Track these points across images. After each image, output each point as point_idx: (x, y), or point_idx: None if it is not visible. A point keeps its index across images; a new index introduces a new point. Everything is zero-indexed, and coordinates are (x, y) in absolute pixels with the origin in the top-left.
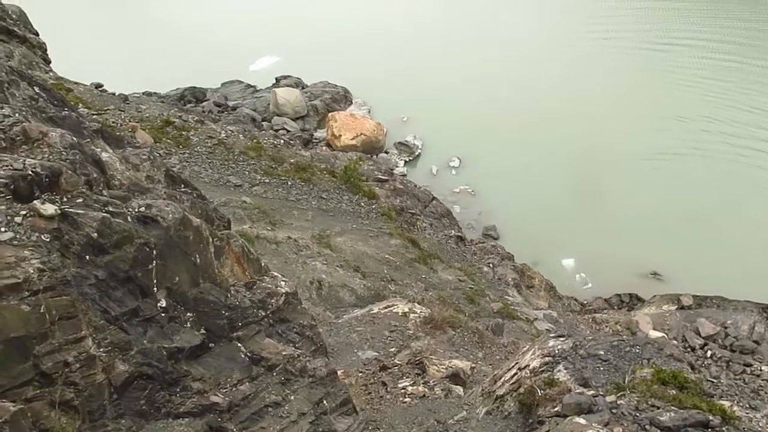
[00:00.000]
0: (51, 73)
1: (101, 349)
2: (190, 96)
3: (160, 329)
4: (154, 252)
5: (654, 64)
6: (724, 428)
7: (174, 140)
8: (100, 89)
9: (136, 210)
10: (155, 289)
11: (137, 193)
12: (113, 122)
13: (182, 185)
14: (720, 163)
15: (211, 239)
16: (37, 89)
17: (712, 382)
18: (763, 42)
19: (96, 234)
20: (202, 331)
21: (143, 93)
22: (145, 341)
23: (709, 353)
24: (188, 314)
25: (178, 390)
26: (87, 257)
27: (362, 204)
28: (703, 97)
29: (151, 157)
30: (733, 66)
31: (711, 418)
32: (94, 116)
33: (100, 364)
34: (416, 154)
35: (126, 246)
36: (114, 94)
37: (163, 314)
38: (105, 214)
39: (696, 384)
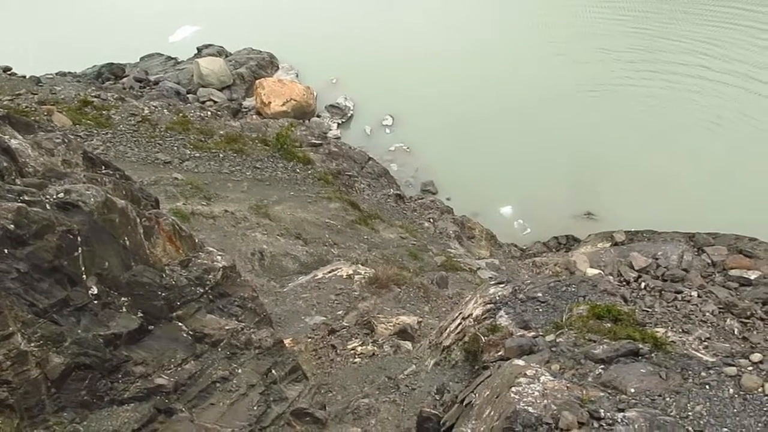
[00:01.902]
0: None
1: (32, 344)
2: (108, 73)
3: (94, 317)
4: (79, 238)
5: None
6: (653, 354)
7: (94, 120)
8: (8, 73)
9: (55, 197)
10: (84, 276)
11: (54, 179)
12: (26, 107)
13: (103, 167)
14: (650, 92)
15: (139, 220)
16: None
17: (647, 311)
18: None
19: (12, 225)
20: (140, 314)
21: (57, 73)
22: (79, 331)
23: (643, 285)
24: (123, 299)
25: (120, 376)
26: (5, 251)
27: (298, 170)
28: (631, 30)
29: (66, 140)
30: None
31: (641, 346)
32: (6, 102)
33: (33, 359)
34: (348, 115)
35: (47, 235)
36: (25, 77)
37: (95, 301)
38: (20, 204)
39: (629, 315)
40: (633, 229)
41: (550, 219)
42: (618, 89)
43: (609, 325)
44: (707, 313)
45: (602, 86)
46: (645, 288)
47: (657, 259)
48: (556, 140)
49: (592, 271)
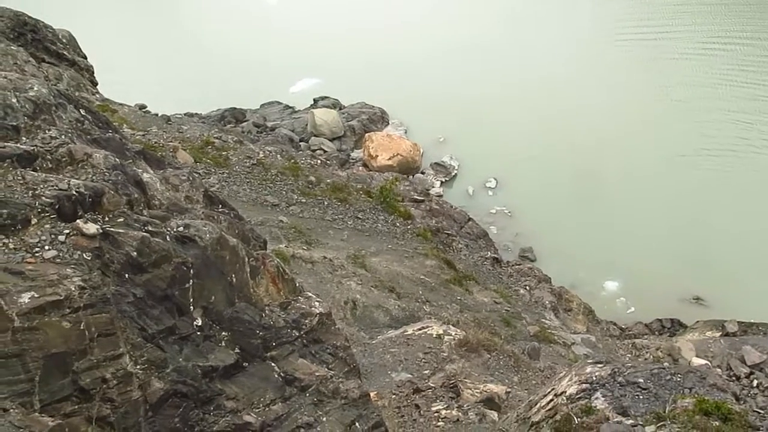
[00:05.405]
0: (97, 95)
1: (138, 367)
2: (230, 117)
3: (195, 347)
4: (191, 271)
5: (702, 66)
6: None
7: (213, 160)
8: (143, 110)
9: (175, 230)
10: (191, 307)
11: (176, 213)
12: (156, 142)
13: (220, 205)
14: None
15: (247, 259)
16: (82, 111)
17: (759, 413)
18: None
19: (135, 253)
20: (237, 350)
21: (185, 114)
22: (180, 359)
23: (755, 383)
24: (223, 333)
25: (211, 409)
26: (126, 276)
27: (398, 224)
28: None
29: (191, 178)
30: None
31: None
32: (138, 137)
33: (137, 381)
34: (452, 174)
35: (164, 265)
36: (157, 115)
37: (198, 333)
38: (144, 234)
39: (741, 416)
40: (747, 320)
41: (655, 299)
42: (734, 153)
43: (717, 423)
44: None
45: (727, 151)
46: (758, 386)
47: None
48: (670, 212)
49: (697, 361)
